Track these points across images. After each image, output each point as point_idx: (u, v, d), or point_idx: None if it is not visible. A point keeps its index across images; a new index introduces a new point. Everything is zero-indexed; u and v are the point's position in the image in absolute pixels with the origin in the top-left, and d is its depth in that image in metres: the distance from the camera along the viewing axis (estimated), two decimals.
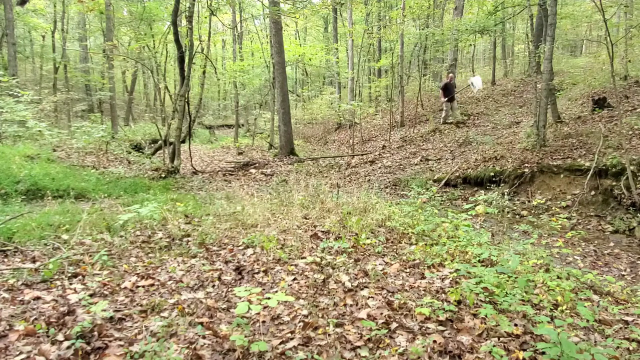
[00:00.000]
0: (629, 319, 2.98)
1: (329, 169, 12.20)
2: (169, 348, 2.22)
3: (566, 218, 6.42)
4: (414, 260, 3.82)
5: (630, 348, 2.48)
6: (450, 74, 14.20)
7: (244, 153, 15.66)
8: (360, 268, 3.58)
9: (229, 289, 3.10)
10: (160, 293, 3.04)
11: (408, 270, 3.62)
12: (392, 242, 4.48)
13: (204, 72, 16.86)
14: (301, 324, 2.57)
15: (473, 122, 14.22)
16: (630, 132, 8.04)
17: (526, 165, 8.28)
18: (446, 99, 13.79)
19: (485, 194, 7.45)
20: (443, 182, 9.25)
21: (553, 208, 7.07)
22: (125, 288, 3.07)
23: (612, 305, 3.14)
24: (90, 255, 3.68)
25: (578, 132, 9.02)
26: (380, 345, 2.36)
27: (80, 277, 3.25)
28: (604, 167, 7.18)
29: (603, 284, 3.79)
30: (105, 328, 2.41)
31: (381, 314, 2.71)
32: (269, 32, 16.42)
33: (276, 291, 3.07)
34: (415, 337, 2.45)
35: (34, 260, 3.54)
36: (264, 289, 3.11)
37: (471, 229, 4.60)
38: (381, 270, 3.51)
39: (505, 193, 7.43)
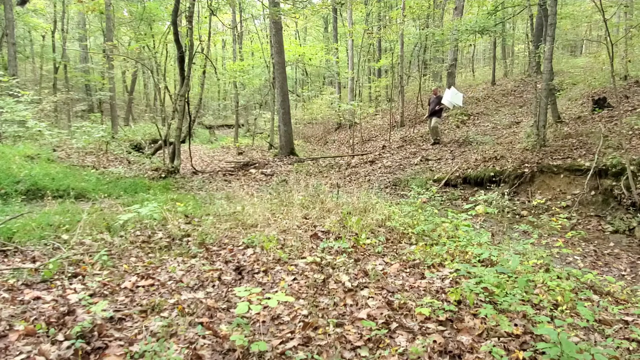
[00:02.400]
0: (629, 319, 2.98)
1: (329, 169, 12.21)
2: (169, 348, 2.22)
3: (566, 218, 6.42)
4: (414, 260, 3.82)
5: (630, 348, 2.48)
6: (435, 88, 12.87)
7: (244, 153, 15.66)
8: (360, 268, 3.58)
9: (229, 289, 3.10)
10: (160, 293, 3.04)
11: (408, 270, 3.62)
12: (392, 242, 4.48)
13: (204, 72, 16.86)
14: (301, 324, 2.57)
15: (473, 122, 14.23)
16: (630, 132, 8.04)
17: (526, 165, 8.28)
18: (427, 115, 12.58)
19: (485, 194, 7.45)
20: (443, 182, 9.25)
21: (553, 208, 7.07)
22: (125, 288, 3.07)
23: (612, 305, 3.14)
24: (90, 255, 3.68)
25: (578, 132, 9.02)
26: (380, 345, 2.36)
27: (80, 277, 3.25)
28: (604, 167, 7.18)
29: (603, 284, 3.80)
30: (105, 328, 2.41)
31: (381, 314, 2.71)
32: (269, 32, 16.42)
33: (276, 291, 3.07)
34: (415, 337, 2.45)
35: (34, 260, 3.54)
36: (264, 289, 3.11)
37: (471, 229, 4.60)
38: (381, 270, 3.51)
39: (505, 193, 7.43)
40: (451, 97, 11.85)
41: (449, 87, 12.32)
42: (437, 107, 11.96)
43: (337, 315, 2.73)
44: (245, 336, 2.33)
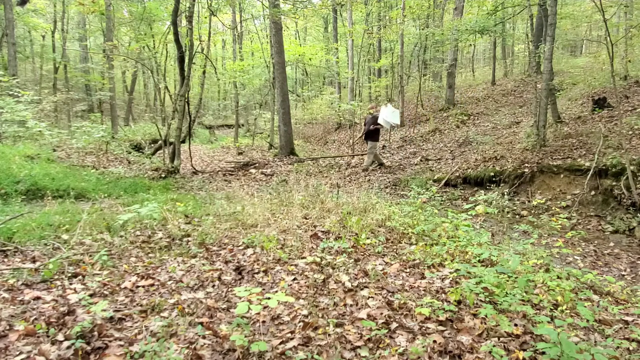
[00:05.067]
0: (629, 319, 2.98)
1: (329, 169, 12.20)
2: (169, 348, 2.22)
3: (566, 218, 6.42)
4: (414, 260, 3.82)
5: (630, 348, 2.48)
6: (372, 105, 11.46)
7: (244, 153, 15.66)
8: (360, 268, 3.58)
9: (229, 289, 3.10)
10: (160, 293, 3.04)
11: (408, 270, 3.62)
12: (392, 242, 4.48)
13: (204, 72, 16.86)
14: (301, 324, 2.57)
15: (473, 122, 14.23)
16: (630, 132, 8.04)
17: (526, 165, 8.28)
18: (360, 135, 10.93)
19: (485, 194, 7.45)
20: (443, 182, 9.25)
21: (553, 208, 7.07)
22: (125, 288, 3.07)
23: (612, 305, 3.14)
24: (90, 255, 3.67)
25: (578, 132, 9.02)
26: (380, 345, 2.36)
27: (80, 277, 3.25)
28: (604, 167, 7.18)
29: (603, 284, 3.79)
30: (105, 328, 2.41)
31: (381, 314, 2.71)
32: (269, 32, 16.42)
33: (276, 291, 3.07)
34: (415, 337, 2.45)
35: (34, 260, 3.53)
36: (264, 289, 3.11)
37: (471, 229, 4.60)
38: (381, 270, 3.51)
39: (505, 193, 7.43)
40: (387, 116, 10.29)
41: (386, 105, 10.58)
42: (372, 127, 10.40)
43: (337, 315, 2.73)
44: (245, 336, 2.33)
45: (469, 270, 3.24)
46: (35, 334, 2.33)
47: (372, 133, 10.45)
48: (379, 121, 10.29)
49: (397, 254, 4.05)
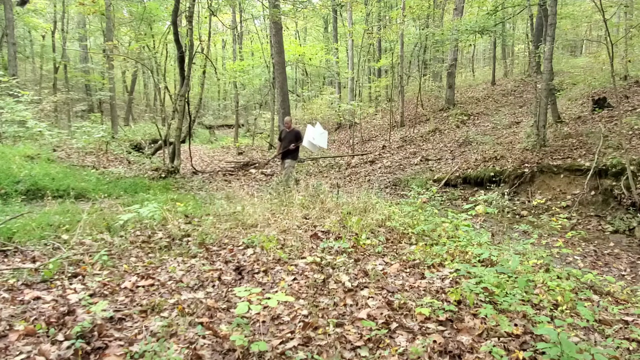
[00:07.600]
0: (629, 319, 2.98)
1: (329, 169, 12.21)
2: (169, 348, 2.22)
3: (566, 218, 6.42)
4: (414, 260, 3.82)
5: (630, 348, 2.48)
6: (288, 119, 9.28)
7: (244, 153, 15.67)
8: (360, 268, 3.58)
9: (229, 289, 3.10)
10: (160, 293, 3.04)
11: (408, 270, 3.62)
12: (392, 242, 4.48)
13: (204, 72, 16.87)
14: (301, 324, 2.57)
15: (473, 122, 14.23)
16: (630, 132, 8.04)
17: (526, 165, 8.28)
18: (277, 153, 9.15)
19: (485, 194, 7.45)
20: (443, 182, 9.25)
21: (553, 208, 7.07)
22: (125, 288, 3.07)
23: (612, 305, 3.14)
24: (90, 255, 3.67)
25: (578, 132, 9.03)
26: (380, 345, 2.36)
27: (80, 277, 3.25)
28: (604, 167, 7.18)
29: (603, 284, 3.80)
30: (105, 328, 2.41)
31: (381, 314, 2.71)
32: (269, 32, 16.42)
33: (276, 291, 3.07)
34: (415, 337, 2.45)
35: (34, 260, 3.53)
36: (264, 289, 3.11)
37: (471, 229, 4.60)
38: (381, 270, 3.51)
39: (505, 193, 7.43)
40: (313, 138, 8.42)
41: (313, 124, 8.81)
42: (292, 146, 8.56)
43: (337, 315, 2.73)
44: (245, 336, 2.33)
45: (469, 270, 3.24)
46: (35, 334, 2.33)
47: (292, 151, 8.67)
48: (303, 143, 8.63)
49: (397, 254, 4.05)
